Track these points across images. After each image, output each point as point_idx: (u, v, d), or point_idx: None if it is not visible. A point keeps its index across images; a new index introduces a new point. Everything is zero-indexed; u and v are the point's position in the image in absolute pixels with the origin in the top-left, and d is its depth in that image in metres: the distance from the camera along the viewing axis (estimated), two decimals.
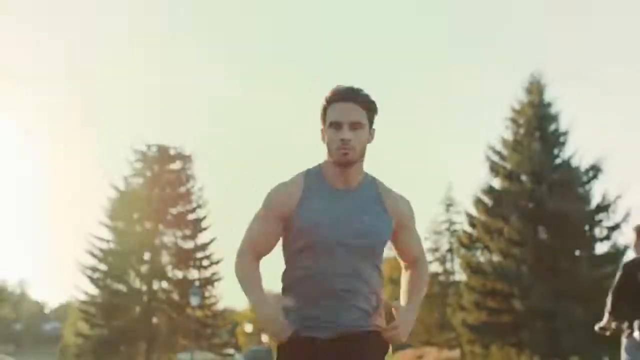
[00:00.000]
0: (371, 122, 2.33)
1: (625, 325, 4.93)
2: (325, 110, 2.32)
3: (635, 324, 4.80)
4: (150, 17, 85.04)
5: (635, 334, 4.79)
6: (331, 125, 2.28)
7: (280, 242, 2.40)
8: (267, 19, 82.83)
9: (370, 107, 2.32)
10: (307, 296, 2.30)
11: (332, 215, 2.28)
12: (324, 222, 2.26)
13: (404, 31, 77.59)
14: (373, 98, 2.34)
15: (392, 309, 2.37)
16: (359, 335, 2.28)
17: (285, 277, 2.38)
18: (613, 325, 4.98)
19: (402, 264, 2.52)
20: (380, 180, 2.42)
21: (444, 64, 74.58)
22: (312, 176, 2.36)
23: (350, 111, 2.27)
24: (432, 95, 73.68)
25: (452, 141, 66.03)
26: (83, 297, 30.60)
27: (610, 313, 5.03)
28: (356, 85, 2.33)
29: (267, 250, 2.42)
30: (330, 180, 2.33)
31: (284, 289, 2.38)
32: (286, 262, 2.39)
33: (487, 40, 73.54)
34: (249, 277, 2.37)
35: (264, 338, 53.37)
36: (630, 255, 22.89)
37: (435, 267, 35.00)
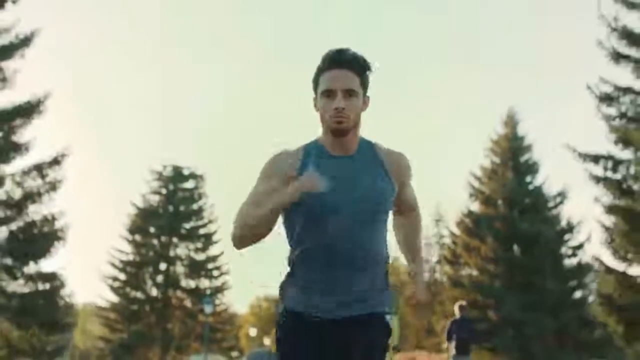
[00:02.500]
0: (365, 88, 2.22)
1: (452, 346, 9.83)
2: (317, 78, 2.21)
3: (452, 344, 9.83)
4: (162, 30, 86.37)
5: (452, 352, 9.80)
6: (324, 93, 2.17)
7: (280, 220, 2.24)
8: (273, 25, 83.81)
9: (363, 73, 2.20)
10: (312, 267, 2.20)
11: (332, 180, 2.16)
12: (325, 187, 2.13)
13: (404, 33, 77.72)
14: (366, 59, 2.20)
15: (408, 275, 2.42)
16: (363, 319, 2.21)
17: (291, 253, 2.26)
18: (450, 346, 9.92)
19: (392, 210, 2.37)
20: (378, 143, 2.31)
21: (446, 64, 74.53)
22: (312, 145, 2.27)
23: (343, 79, 2.15)
24: (430, 99, 73.75)
25: (446, 156, 67.72)
26: (104, 304, 32.22)
27: (448, 341, 10.02)
28: (348, 48, 2.19)
29: None
30: (328, 148, 2.24)
31: (290, 265, 2.27)
32: (290, 238, 2.27)
33: (488, 44, 74.38)
34: (252, 204, 2.18)
35: (267, 341, 55.42)
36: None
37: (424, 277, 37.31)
